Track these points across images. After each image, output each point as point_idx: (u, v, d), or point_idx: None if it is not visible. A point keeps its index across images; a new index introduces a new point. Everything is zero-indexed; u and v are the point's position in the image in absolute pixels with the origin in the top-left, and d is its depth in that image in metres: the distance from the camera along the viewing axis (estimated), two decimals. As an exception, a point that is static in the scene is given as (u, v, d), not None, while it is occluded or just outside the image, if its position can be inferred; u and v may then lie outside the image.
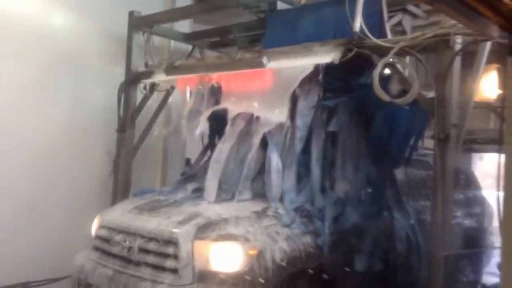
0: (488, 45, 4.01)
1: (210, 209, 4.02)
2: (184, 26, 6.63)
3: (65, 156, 5.60)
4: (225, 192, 4.43)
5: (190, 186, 4.79)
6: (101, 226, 4.26)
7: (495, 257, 5.54)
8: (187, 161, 6.65)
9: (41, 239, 5.21)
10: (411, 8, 4.82)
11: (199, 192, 4.59)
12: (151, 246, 3.72)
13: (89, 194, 5.74)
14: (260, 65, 4.48)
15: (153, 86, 5.70)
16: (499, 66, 2.83)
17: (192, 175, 5.21)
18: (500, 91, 2.52)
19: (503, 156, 2.62)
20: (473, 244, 5.29)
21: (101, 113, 5.98)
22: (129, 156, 5.93)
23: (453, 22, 3.73)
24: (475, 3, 1.77)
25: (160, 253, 3.66)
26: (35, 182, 5.30)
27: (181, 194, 4.63)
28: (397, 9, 4.83)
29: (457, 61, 3.80)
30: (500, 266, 2.37)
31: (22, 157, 5.20)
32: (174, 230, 3.67)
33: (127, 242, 3.85)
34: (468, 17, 1.93)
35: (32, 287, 5.06)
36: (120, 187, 5.82)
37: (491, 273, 5.65)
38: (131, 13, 5.91)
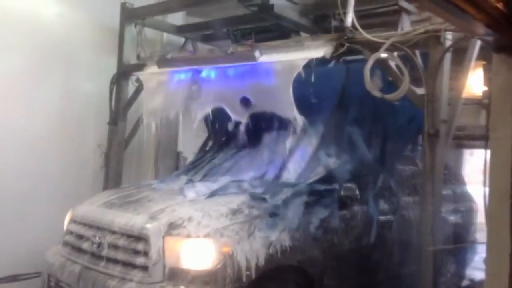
0: (478, 41, 4.02)
1: (183, 204, 3.86)
2: (177, 18, 6.58)
3: (56, 149, 5.56)
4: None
5: (184, 178, 4.79)
6: (72, 221, 4.16)
7: (483, 253, 5.57)
8: (179, 155, 6.67)
9: (32, 232, 5.19)
10: (403, 4, 4.82)
11: (190, 183, 4.58)
12: (121, 242, 3.60)
13: (80, 187, 5.70)
14: (252, 58, 4.48)
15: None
16: (485, 63, 2.86)
17: (191, 167, 5.22)
18: (485, 88, 2.55)
19: (487, 152, 2.65)
20: (457, 240, 5.31)
21: (93, 105, 5.94)
22: (121, 149, 5.91)
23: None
24: (458, 1, 1.77)
25: (130, 250, 3.54)
26: (25, 175, 5.26)
27: (173, 185, 4.58)
28: (390, 4, 4.83)
29: (448, 57, 3.83)
30: (485, 260, 2.41)
31: (12, 149, 5.16)
32: (144, 225, 3.53)
33: (97, 238, 3.73)
34: (453, 14, 1.94)
35: (22, 279, 5.04)
36: (111, 180, 5.80)
37: (479, 269, 5.70)
38: (123, 5, 5.87)
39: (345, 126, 4.57)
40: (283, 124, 4.61)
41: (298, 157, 4.42)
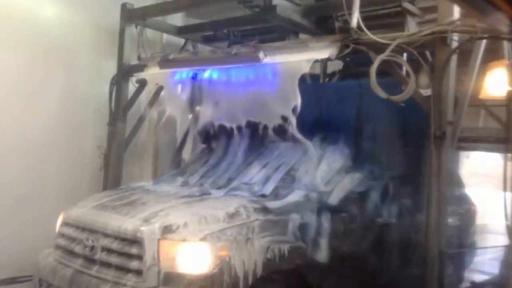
0: (484, 43, 4.02)
1: (178, 207, 3.76)
2: (177, 19, 6.57)
3: (56, 150, 5.52)
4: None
5: (180, 179, 4.74)
6: (64, 223, 4.06)
7: (487, 255, 5.60)
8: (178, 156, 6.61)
9: (31, 234, 5.11)
10: (406, 5, 4.82)
11: (186, 185, 4.53)
12: (114, 245, 3.50)
13: (79, 188, 5.65)
14: (256, 59, 4.45)
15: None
16: (509, 63, 2.82)
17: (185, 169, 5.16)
18: (509, 88, 2.51)
19: (498, 155, 2.62)
20: (458, 241, 5.29)
21: (92, 106, 5.91)
22: (120, 150, 5.87)
23: (450, 19, 3.75)
24: (493, -3, 1.75)
25: (124, 253, 3.45)
26: (24, 176, 5.23)
27: (168, 187, 4.52)
28: (394, 6, 4.83)
29: (454, 59, 3.82)
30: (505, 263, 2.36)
31: (11, 151, 5.12)
32: (138, 228, 3.43)
33: (90, 241, 3.64)
34: (481, 10, 1.90)
35: (21, 282, 4.97)
36: (111, 182, 5.75)
37: (480, 271, 5.72)
38: (123, 5, 5.84)
39: (363, 142, 4.57)
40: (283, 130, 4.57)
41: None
